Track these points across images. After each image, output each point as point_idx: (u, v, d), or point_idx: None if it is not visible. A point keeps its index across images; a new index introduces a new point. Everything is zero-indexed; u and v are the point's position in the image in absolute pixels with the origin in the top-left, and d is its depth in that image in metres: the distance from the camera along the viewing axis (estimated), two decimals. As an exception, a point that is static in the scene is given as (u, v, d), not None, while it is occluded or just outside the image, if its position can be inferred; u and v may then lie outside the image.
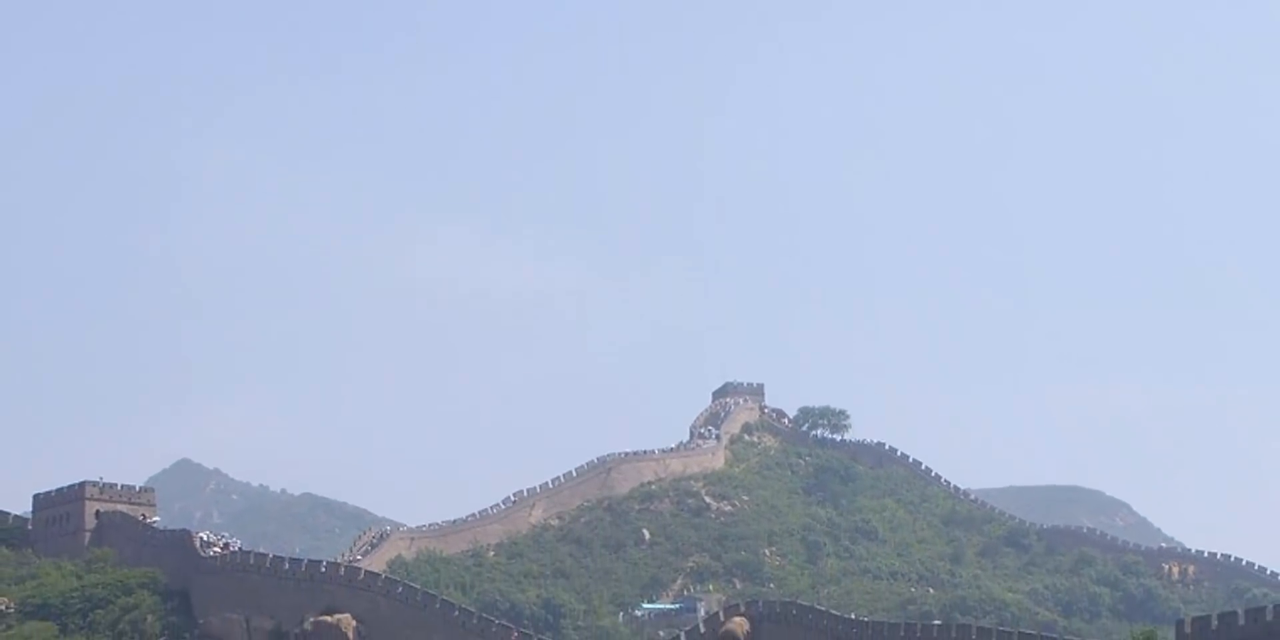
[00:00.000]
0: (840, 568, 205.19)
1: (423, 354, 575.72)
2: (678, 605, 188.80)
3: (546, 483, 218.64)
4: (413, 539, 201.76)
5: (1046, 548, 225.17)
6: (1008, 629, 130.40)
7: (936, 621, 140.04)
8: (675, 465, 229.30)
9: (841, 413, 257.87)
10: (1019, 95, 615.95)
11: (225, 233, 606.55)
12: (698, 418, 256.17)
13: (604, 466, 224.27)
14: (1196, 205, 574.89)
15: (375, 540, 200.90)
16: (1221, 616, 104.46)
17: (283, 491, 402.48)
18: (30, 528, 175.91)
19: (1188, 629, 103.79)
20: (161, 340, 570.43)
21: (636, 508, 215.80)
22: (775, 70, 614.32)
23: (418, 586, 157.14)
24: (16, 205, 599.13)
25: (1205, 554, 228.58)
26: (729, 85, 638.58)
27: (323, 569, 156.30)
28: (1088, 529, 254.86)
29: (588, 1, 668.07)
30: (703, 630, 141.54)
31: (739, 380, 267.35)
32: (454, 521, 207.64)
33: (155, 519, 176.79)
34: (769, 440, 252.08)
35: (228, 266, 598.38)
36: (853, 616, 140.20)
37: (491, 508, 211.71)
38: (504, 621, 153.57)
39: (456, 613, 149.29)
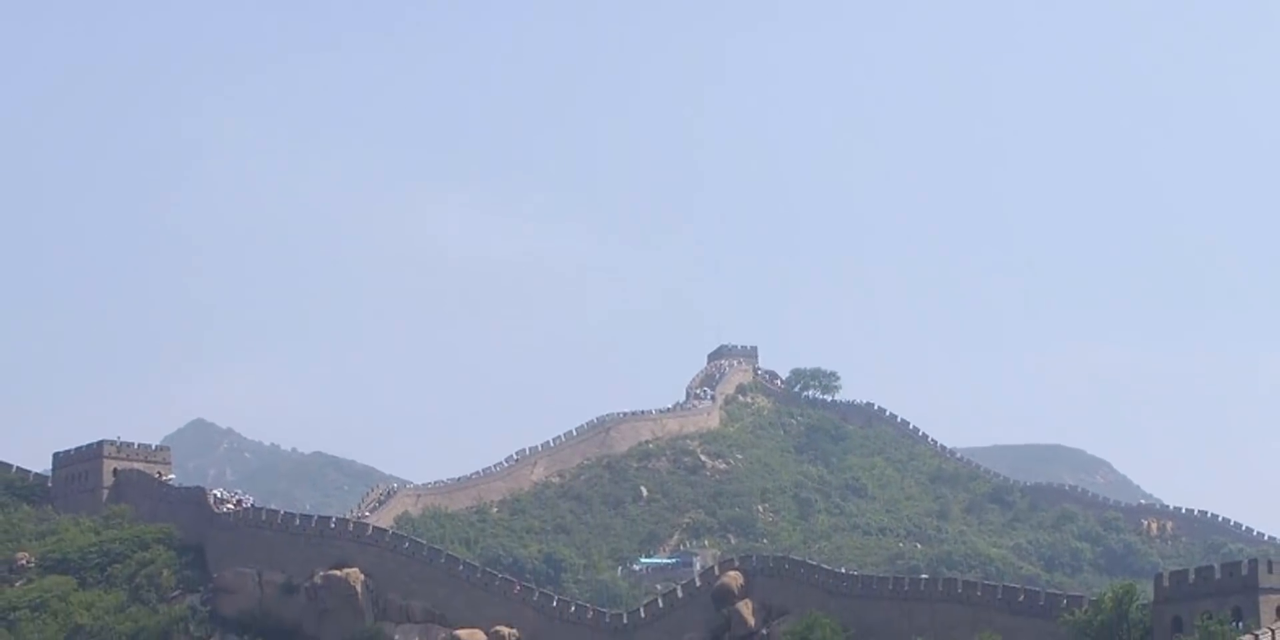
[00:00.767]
0: (831, 524, 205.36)
1: (429, 318, 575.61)
2: (674, 560, 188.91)
3: (548, 442, 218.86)
4: (419, 496, 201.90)
5: (1030, 504, 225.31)
6: (992, 582, 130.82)
7: (924, 575, 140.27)
8: (672, 425, 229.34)
9: (832, 374, 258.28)
10: (1007, 66, 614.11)
11: (239, 201, 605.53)
12: (694, 379, 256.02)
13: (603, 426, 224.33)
14: (1178, 172, 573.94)
15: (383, 497, 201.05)
16: (1198, 570, 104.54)
17: (294, 450, 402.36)
18: (50, 485, 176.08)
19: (1166, 582, 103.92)
20: (177, 305, 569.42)
21: (634, 466, 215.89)
22: (772, 42, 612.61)
23: (423, 542, 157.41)
24: (40, 173, 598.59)
25: (1183, 510, 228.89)
26: (726, 58, 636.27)
27: (332, 525, 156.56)
28: (1069, 486, 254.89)
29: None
30: (698, 584, 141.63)
31: (733, 343, 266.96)
32: (459, 479, 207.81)
33: (171, 477, 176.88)
34: (762, 401, 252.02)
35: (240, 233, 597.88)
36: (843, 570, 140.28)
37: (495, 466, 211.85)
38: (506, 575, 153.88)
39: (461, 567, 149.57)
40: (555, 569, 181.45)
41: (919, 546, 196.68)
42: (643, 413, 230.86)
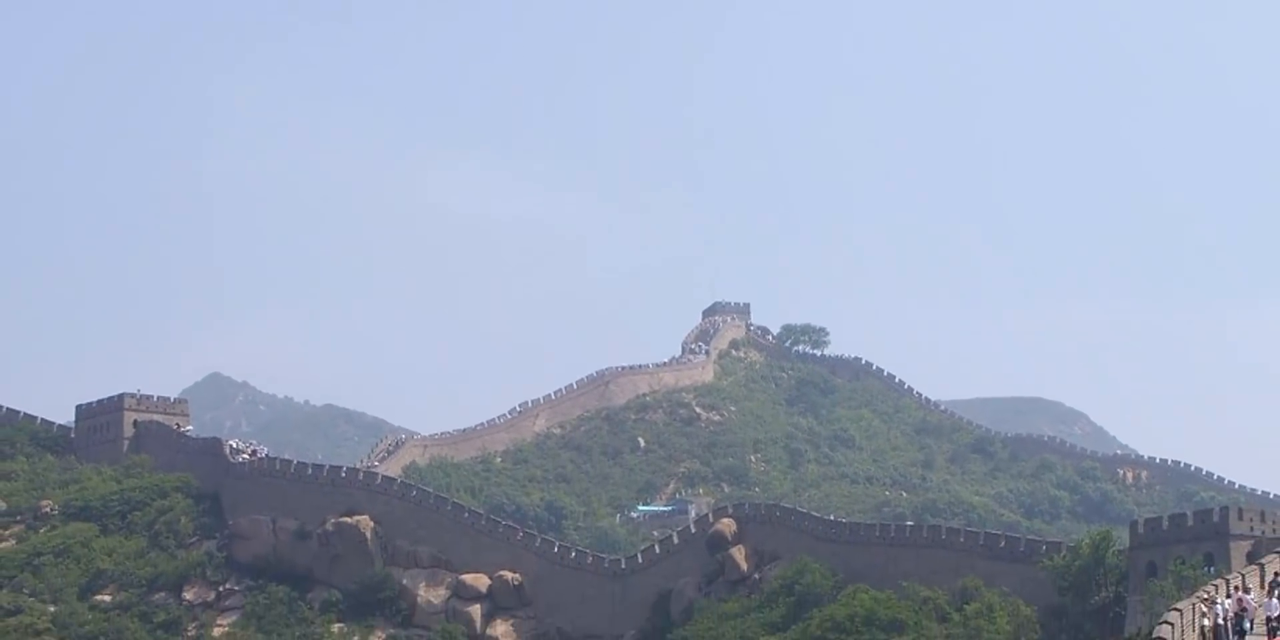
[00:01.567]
0: (820, 473, 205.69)
1: (436, 275, 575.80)
2: (670, 508, 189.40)
3: (549, 394, 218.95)
4: (426, 446, 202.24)
5: (1010, 455, 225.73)
6: (974, 529, 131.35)
7: (909, 522, 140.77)
8: (668, 378, 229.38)
9: (821, 330, 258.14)
10: (991, 28, 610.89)
11: (253, 162, 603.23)
12: (689, 335, 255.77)
13: (602, 379, 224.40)
14: (1156, 137, 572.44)
15: (391, 447, 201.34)
16: (1171, 517, 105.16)
17: (306, 402, 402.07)
18: (73, 436, 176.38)
19: (1140, 529, 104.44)
20: (195, 262, 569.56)
21: (632, 417, 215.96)
22: (766, 9, 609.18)
23: (430, 490, 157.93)
24: (65, 136, 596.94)
25: (1157, 460, 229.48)
26: (718, 24, 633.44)
27: (343, 474, 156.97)
28: (1049, 437, 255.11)
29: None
30: (693, 531, 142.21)
31: (727, 300, 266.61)
32: (464, 430, 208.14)
33: (188, 428, 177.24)
34: (754, 355, 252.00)
35: (255, 194, 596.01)
36: (831, 518, 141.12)
37: (499, 417, 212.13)
38: (510, 522, 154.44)
39: (466, 514, 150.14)
40: (556, 516, 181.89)
41: (904, 495, 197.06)
42: (640, 367, 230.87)
